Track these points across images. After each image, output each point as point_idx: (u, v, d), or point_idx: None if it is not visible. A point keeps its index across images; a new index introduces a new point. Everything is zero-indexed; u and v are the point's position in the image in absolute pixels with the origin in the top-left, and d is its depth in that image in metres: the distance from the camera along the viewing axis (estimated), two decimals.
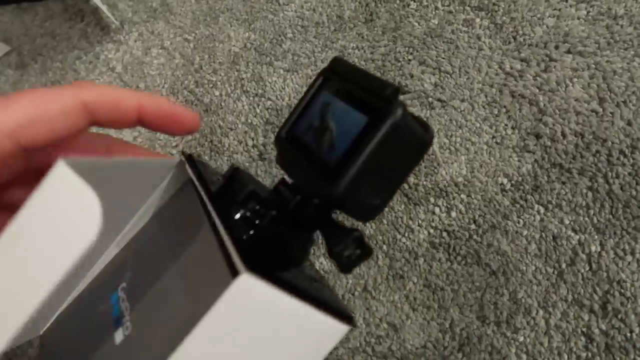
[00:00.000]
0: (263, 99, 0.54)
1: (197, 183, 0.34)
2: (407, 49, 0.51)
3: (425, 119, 0.47)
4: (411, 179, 0.45)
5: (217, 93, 0.57)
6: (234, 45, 0.59)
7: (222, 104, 0.56)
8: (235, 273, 0.25)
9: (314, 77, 0.39)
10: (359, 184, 0.31)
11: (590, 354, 0.37)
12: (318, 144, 0.34)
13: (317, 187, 0.31)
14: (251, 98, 0.55)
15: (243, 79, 0.57)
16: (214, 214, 0.30)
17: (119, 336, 0.29)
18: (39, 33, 0.70)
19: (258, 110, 0.54)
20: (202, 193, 0.32)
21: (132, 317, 0.30)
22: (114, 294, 0.32)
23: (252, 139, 0.53)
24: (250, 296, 0.25)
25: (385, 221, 0.45)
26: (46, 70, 0.65)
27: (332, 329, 0.29)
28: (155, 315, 0.29)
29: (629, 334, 0.36)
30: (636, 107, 0.42)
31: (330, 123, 0.34)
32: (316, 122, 0.35)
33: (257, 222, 0.34)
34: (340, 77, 0.36)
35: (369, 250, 0.30)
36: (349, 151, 0.31)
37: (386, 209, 0.45)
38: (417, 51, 0.51)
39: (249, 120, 0.54)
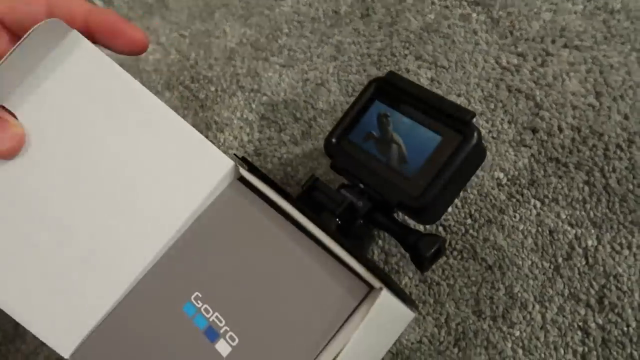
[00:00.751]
0: (259, 94, 0.54)
1: (266, 189, 0.34)
2: (403, 43, 0.51)
3: None
4: None
5: (212, 88, 0.57)
6: (229, 41, 0.58)
7: (218, 99, 0.56)
8: (370, 287, 0.29)
9: (364, 85, 0.41)
10: (440, 196, 0.35)
11: (586, 349, 0.36)
12: (385, 155, 0.38)
13: (400, 196, 0.36)
14: (247, 93, 0.55)
15: (239, 74, 0.57)
16: (305, 221, 0.31)
17: (223, 348, 0.30)
18: None
19: (254, 106, 0.54)
20: (278, 199, 0.33)
21: (232, 328, 0.31)
22: (186, 305, 0.32)
23: (248, 135, 0.53)
24: (386, 308, 0.29)
25: None
26: None
27: (409, 318, 0.33)
28: (266, 325, 0.31)
29: (625, 328, 0.36)
30: (633, 101, 0.42)
31: (395, 136, 0.38)
32: (376, 133, 0.39)
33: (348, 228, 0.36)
34: (399, 91, 0.39)
35: (444, 251, 0.37)
36: (427, 166, 0.36)
37: None
38: (414, 46, 0.51)
39: (245, 116, 0.54)
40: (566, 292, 0.38)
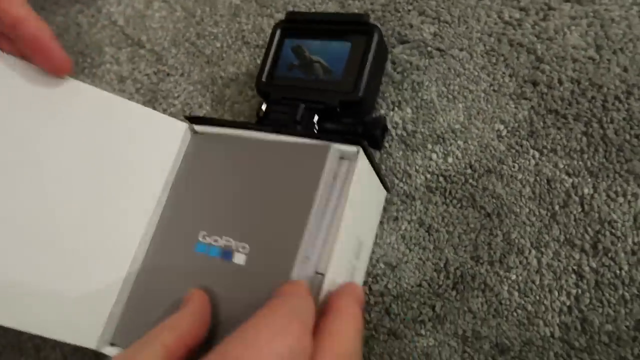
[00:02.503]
0: (264, 49, 0.55)
1: (223, 129, 0.42)
2: None
3: (424, 67, 0.47)
4: (409, 126, 0.46)
5: (218, 45, 0.58)
6: None
7: (224, 55, 0.57)
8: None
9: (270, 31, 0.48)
10: (368, 86, 0.43)
11: (580, 291, 0.38)
12: (312, 74, 0.45)
13: (339, 96, 0.43)
14: (252, 49, 0.56)
15: (244, 30, 0.57)
16: (269, 134, 0.39)
17: (240, 259, 0.35)
18: None
19: (258, 61, 0.55)
20: (236, 130, 0.41)
21: (240, 240, 0.36)
22: (197, 247, 0.37)
23: (252, 89, 0.54)
24: (365, 170, 0.37)
25: (383, 167, 0.46)
26: (50, 23, 0.65)
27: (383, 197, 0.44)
28: (263, 221, 0.36)
29: (618, 271, 0.37)
30: (632, 54, 0.43)
31: (314, 57, 0.45)
32: (296, 62, 0.46)
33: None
34: (301, 24, 0.47)
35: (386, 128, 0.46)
36: (349, 67, 0.44)
37: (384, 155, 0.46)
38: (417, 1, 0.51)
39: (250, 71, 0.55)
40: (562, 238, 0.39)
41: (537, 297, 0.38)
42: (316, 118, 0.43)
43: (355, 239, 0.38)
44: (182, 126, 0.42)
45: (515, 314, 0.38)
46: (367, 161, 0.37)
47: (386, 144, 0.46)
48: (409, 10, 0.51)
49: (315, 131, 0.43)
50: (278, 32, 0.47)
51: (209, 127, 0.42)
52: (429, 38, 0.49)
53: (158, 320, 0.32)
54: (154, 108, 0.55)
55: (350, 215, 0.35)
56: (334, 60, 0.44)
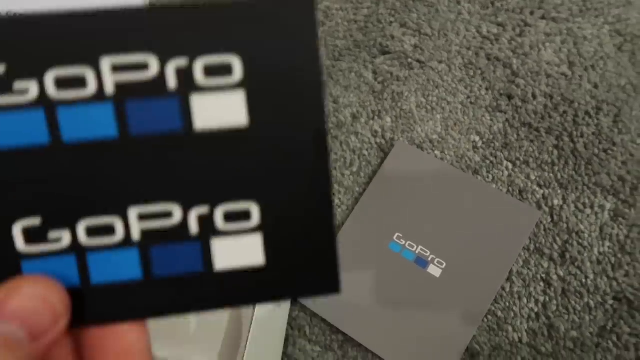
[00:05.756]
0: None
1: None
2: (389, 11, 0.53)
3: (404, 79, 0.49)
4: (388, 135, 0.47)
5: None
6: None
7: None
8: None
9: None
10: None
11: (547, 298, 0.39)
12: None
13: None
14: None
15: None
16: None
17: (435, 271, 0.41)
18: None
19: None
20: None
21: (438, 255, 0.42)
22: (390, 244, 0.42)
23: None
24: None
25: (362, 174, 0.47)
26: None
27: None
28: (465, 249, 0.42)
29: (584, 280, 0.39)
30: (603, 71, 0.44)
31: None
32: None
33: None
34: None
35: None
36: None
37: (363, 163, 0.47)
38: (399, 14, 0.52)
39: None
40: (532, 247, 0.41)
41: (507, 304, 0.40)
42: None
43: None
44: None
45: (485, 319, 0.40)
46: None
47: (365, 152, 0.48)
48: (391, 22, 0.52)
49: None
50: None
51: None
52: (410, 50, 0.51)
53: (346, 286, 0.37)
54: None
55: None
56: None
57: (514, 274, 0.40)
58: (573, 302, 0.39)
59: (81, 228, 0.17)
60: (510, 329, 0.39)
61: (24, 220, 0.17)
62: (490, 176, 0.44)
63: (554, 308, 0.39)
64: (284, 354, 0.42)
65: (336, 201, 0.46)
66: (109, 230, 0.18)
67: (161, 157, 0.17)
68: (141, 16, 0.16)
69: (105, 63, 0.16)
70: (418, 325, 0.39)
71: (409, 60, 0.50)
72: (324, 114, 0.17)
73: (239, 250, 0.18)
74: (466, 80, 0.48)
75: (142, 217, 0.17)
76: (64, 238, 0.17)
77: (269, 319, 0.38)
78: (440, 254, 0.42)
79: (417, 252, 0.42)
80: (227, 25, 0.16)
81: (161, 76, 0.16)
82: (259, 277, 0.18)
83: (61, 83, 0.16)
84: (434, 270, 0.41)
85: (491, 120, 0.46)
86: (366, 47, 0.52)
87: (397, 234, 0.43)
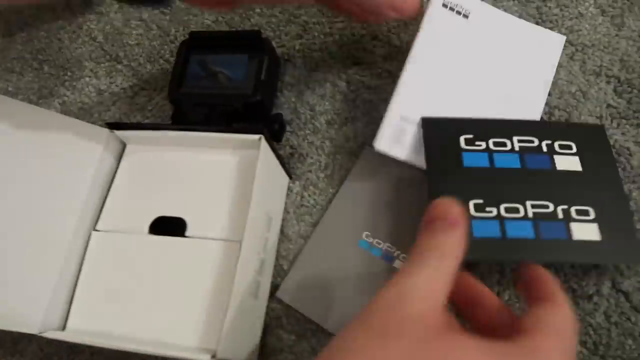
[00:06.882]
0: None
1: (140, 132, 0.50)
2: (361, 24, 0.57)
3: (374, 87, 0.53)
4: (360, 139, 0.51)
5: None
6: (206, 19, 0.64)
7: None
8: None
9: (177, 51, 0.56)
10: (265, 89, 0.52)
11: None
12: (217, 83, 0.53)
13: (242, 99, 0.51)
14: None
15: None
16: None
17: (400, 266, 0.45)
18: (25, 4, 0.75)
19: None
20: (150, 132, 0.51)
21: (401, 250, 0.46)
22: (359, 242, 0.47)
23: None
24: (266, 154, 0.46)
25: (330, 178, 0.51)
26: (32, 38, 0.69)
27: (286, 182, 0.53)
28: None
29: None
30: (555, 79, 0.48)
31: (217, 69, 0.53)
32: (202, 74, 0.54)
33: None
34: (202, 42, 0.55)
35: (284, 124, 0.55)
36: (248, 75, 0.52)
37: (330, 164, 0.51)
38: (370, 27, 0.56)
39: None
40: None
41: None
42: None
43: (264, 213, 0.45)
44: (103, 132, 0.48)
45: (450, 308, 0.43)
46: (269, 148, 0.45)
47: (338, 156, 0.51)
48: (363, 35, 0.56)
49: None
50: (184, 49, 0.55)
51: (129, 131, 0.49)
52: (379, 60, 0.54)
53: (318, 281, 0.46)
54: (129, 120, 0.59)
55: (259, 191, 0.43)
56: (235, 71, 0.53)
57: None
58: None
59: (502, 207, 0.40)
60: None
61: (474, 200, 0.40)
62: None
63: (507, 297, 0.43)
64: (262, 341, 0.45)
65: (311, 202, 0.50)
66: (517, 210, 0.40)
67: (542, 179, 0.41)
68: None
69: (515, 139, 0.43)
70: None
71: (379, 70, 0.54)
72: None
73: (584, 230, 0.39)
74: None
75: (534, 206, 0.40)
76: (493, 211, 0.40)
77: (249, 310, 0.42)
78: (405, 250, 0.46)
79: (383, 248, 0.46)
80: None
81: (540, 146, 0.43)
82: (596, 246, 0.39)
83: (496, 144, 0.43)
84: (400, 265, 0.45)
85: None
86: (340, 59, 0.55)
87: (365, 233, 0.47)
